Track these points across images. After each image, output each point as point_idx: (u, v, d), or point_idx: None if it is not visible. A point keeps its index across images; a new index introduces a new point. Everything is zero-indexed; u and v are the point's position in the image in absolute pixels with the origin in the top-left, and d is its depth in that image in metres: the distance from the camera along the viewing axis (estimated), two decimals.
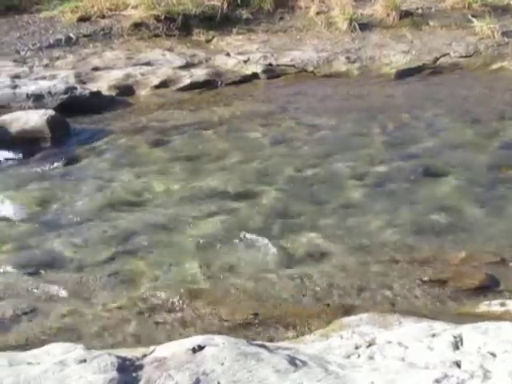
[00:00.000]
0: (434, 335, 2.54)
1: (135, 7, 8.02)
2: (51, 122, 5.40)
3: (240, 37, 7.81)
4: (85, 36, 7.69)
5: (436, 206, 4.31)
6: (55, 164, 5.03)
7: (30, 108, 5.79)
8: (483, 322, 2.66)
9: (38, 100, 5.98)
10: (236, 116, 5.95)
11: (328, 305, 3.28)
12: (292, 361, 2.36)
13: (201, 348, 2.39)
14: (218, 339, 2.46)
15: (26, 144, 5.25)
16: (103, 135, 5.54)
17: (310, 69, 7.12)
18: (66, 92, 6.09)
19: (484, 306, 3.19)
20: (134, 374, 2.29)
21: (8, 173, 4.92)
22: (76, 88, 6.21)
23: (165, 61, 7.13)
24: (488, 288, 3.43)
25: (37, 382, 2.24)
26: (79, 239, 3.95)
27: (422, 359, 2.39)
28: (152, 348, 2.48)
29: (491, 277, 3.51)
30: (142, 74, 6.77)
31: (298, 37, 7.84)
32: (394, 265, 3.65)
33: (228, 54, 7.39)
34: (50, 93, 6.05)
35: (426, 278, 3.50)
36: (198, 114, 6.06)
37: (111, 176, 4.81)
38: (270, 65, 7.14)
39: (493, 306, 3.17)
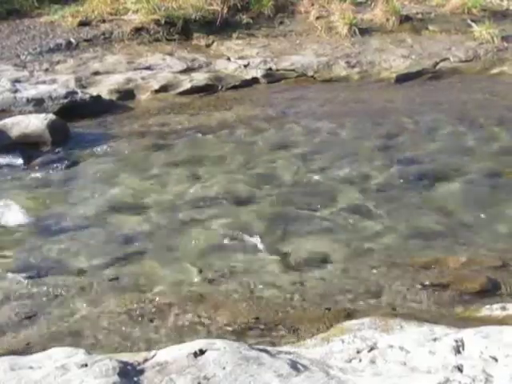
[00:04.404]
0: (435, 339, 2.54)
1: (136, 12, 8.03)
2: (51, 127, 5.40)
3: (240, 41, 7.82)
4: (85, 40, 7.69)
5: (436, 210, 4.31)
6: (56, 168, 5.03)
7: (30, 112, 5.78)
8: (485, 326, 2.66)
9: (38, 104, 5.98)
10: (236, 120, 5.95)
11: (329, 309, 3.28)
12: (294, 365, 2.36)
13: (202, 352, 2.39)
14: (220, 343, 2.46)
15: (26, 148, 5.25)
16: (103, 139, 5.54)
17: (310, 73, 7.13)
18: (66, 96, 6.10)
19: (485, 310, 3.19)
20: (135, 379, 2.29)
21: (8, 177, 4.92)
22: (76, 92, 6.22)
23: (165, 65, 7.13)
24: (489, 292, 3.43)
25: None
26: (80, 243, 3.95)
27: (423, 363, 2.39)
28: (153, 352, 2.48)
29: (492, 281, 3.51)
30: (143, 79, 6.78)
31: (298, 41, 7.86)
32: (395, 269, 3.65)
33: (228, 59, 7.40)
34: (50, 97, 6.06)
35: (427, 282, 3.50)
36: (198, 118, 6.06)
37: (111, 180, 4.81)
38: (270, 69, 7.15)
39: (494, 310, 3.17)
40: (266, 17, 8.29)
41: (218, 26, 7.99)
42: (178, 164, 5.08)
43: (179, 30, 7.86)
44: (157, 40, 7.78)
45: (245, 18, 8.16)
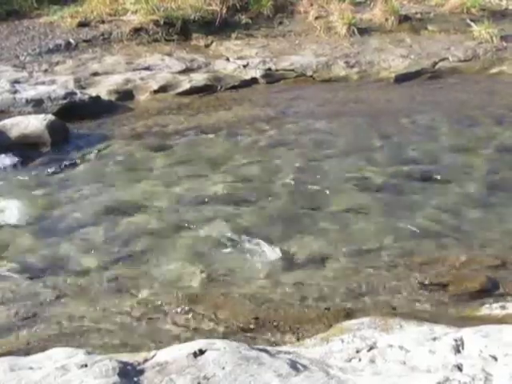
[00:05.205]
0: (435, 339, 2.54)
1: (135, 12, 8.04)
2: (51, 127, 5.40)
3: (239, 41, 7.83)
4: (84, 41, 7.70)
5: (436, 209, 4.32)
6: (55, 169, 5.03)
7: (29, 113, 5.79)
8: (484, 325, 2.66)
9: (37, 105, 5.98)
10: (235, 120, 5.95)
11: (329, 309, 3.28)
12: (293, 365, 2.36)
13: (202, 352, 2.39)
14: (220, 343, 2.46)
15: (25, 149, 5.25)
16: (103, 140, 5.54)
17: (309, 73, 7.13)
18: (65, 97, 6.10)
19: (485, 310, 3.19)
20: (135, 379, 2.29)
21: (8, 178, 4.92)
22: (75, 93, 6.22)
23: (164, 66, 7.14)
24: (489, 291, 3.43)
25: None
26: (80, 243, 3.95)
27: (423, 363, 2.39)
28: (153, 352, 2.48)
29: (492, 280, 3.51)
30: (142, 79, 6.78)
31: (297, 41, 7.86)
32: (394, 268, 3.65)
33: (227, 59, 7.40)
34: (49, 98, 6.06)
35: (426, 282, 3.50)
36: (197, 118, 6.06)
37: (111, 181, 4.81)
38: (270, 69, 7.16)
39: (494, 309, 3.17)
40: (265, 17, 8.30)
41: (217, 27, 7.99)
42: (178, 164, 5.08)
43: (178, 30, 7.87)
44: (156, 40, 7.78)
45: (244, 19, 8.16)
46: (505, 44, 7.58)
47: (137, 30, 7.85)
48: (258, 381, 2.25)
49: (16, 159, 5.15)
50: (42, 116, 5.54)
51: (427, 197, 4.50)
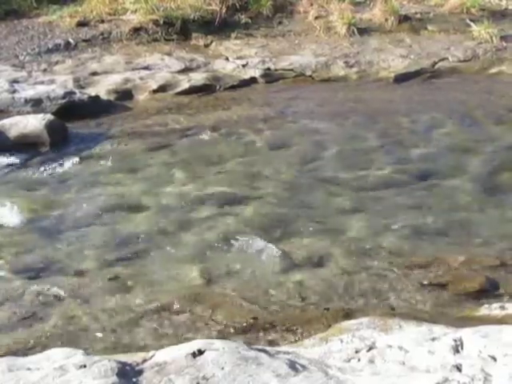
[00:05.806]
0: (434, 339, 2.54)
1: (134, 12, 8.03)
2: (50, 127, 5.40)
3: (238, 41, 7.82)
4: (84, 41, 7.69)
5: (435, 209, 4.31)
6: (54, 168, 5.03)
7: (28, 113, 5.78)
8: (483, 325, 2.66)
9: (36, 105, 5.98)
10: (234, 120, 5.95)
11: (328, 309, 3.28)
12: (292, 365, 2.36)
13: (201, 352, 2.39)
14: (218, 344, 2.46)
15: (24, 148, 5.25)
16: (102, 139, 5.54)
17: (309, 73, 7.13)
18: (64, 97, 6.09)
19: (484, 310, 3.19)
20: (134, 379, 2.29)
21: (6, 177, 4.91)
22: (75, 93, 6.21)
23: (163, 65, 7.13)
24: (488, 291, 3.43)
25: None
26: (78, 244, 3.95)
27: (422, 363, 2.39)
28: (152, 353, 2.48)
29: (491, 280, 3.51)
30: (141, 79, 6.77)
31: (297, 41, 7.86)
32: (393, 269, 3.64)
33: (227, 59, 7.40)
34: (48, 97, 6.06)
35: (425, 282, 3.50)
36: (196, 118, 6.06)
37: (110, 180, 4.81)
38: (269, 69, 7.15)
39: (493, 309, 3.17)
40: (264, 17, 8.29)
41: (217, 26, 7.99)
42: (177, 164, 5.07)
43: (178, 30, 7.86)
44: (155, 40, 7.77)
45: (243, 18, 8.16)
46: (504, 44, 7.57)
47: (136, 30, 7.84)
48: (256, 381, 2.25)
49: (15, 159, 5.14)
50: (40, 116, 5.53)
51: (426, 197, 4.49)
